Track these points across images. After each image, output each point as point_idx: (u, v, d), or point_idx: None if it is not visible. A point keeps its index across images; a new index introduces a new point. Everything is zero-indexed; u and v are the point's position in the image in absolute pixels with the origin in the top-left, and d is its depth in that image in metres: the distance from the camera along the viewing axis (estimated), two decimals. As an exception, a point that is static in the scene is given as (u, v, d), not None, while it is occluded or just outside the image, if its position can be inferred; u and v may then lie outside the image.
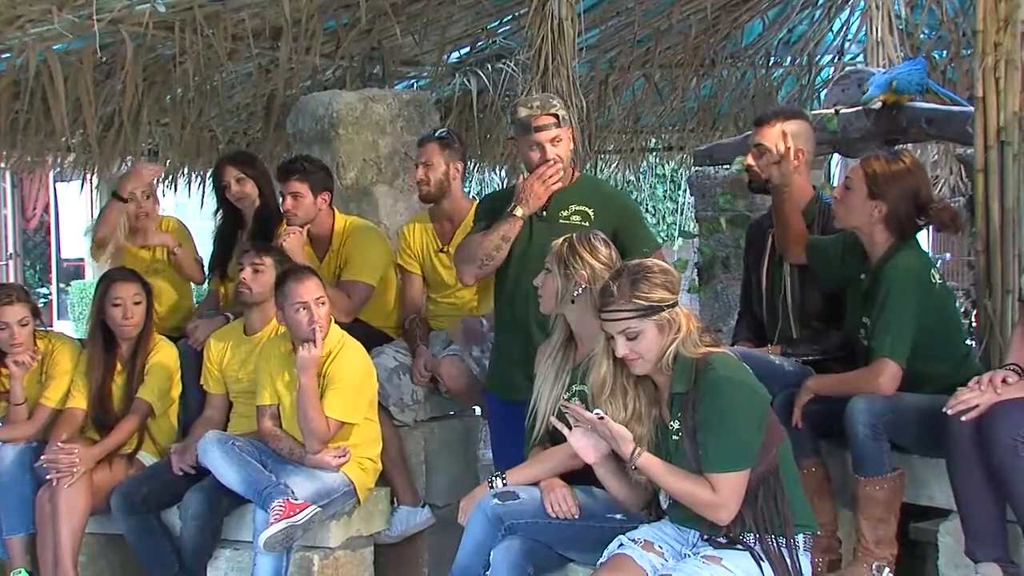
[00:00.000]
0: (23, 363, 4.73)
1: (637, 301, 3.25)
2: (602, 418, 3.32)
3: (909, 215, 3.75)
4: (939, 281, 3.79)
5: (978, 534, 3.38)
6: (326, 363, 4.39)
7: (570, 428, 3.45)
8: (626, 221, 4.26)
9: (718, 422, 3.20)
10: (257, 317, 4.75)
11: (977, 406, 3.30)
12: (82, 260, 16.09)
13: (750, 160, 4.11)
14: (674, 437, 3.29)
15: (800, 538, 3.26)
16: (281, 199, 5.07)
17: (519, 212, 4.18)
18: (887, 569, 3.59)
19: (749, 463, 3.20)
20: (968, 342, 4.17)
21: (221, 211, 5.45)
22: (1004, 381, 3.33)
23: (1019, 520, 3.32)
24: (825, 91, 6.37)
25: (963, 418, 3.29)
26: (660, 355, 3.27)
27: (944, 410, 3.34)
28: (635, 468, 3.31)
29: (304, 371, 4.29)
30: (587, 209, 4.22)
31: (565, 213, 4.22)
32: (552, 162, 4.17)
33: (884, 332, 3.67)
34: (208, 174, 7.47)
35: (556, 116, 4.19)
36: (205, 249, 5.54)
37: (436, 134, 5.01)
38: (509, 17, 7.72)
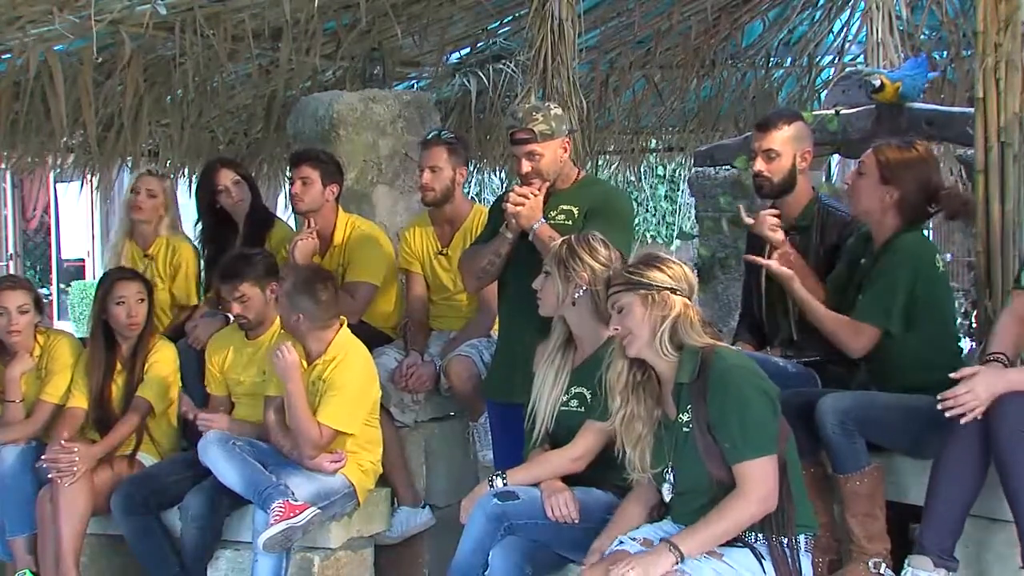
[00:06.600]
0: (20, 353, 4.72)
1: (627, 275, 3.31)
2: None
3: (920, 202, 3.77)
4: (943, 270, 3.80)
5: (942, 525, 3.35)
6: (329, 368, 4.37)
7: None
8: (596, 218, 4.09)
9: (739, 411, 3.16)
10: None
11: (976, 408, 3.29)
12: (82, 260, 16.09)
13: (759, 166, 4.08)
14: (684, 429, 3.26)
15: (801, 538, 3.25)
16: (289, 184, 5.07)
17: (508, 234, 4.17)
18: (884, 564, 3.58)
19: (775, 448, 3.18)
20: (962, 344, 4.15)
21: (208, 217, 5.37)
22: None
23: (1016, 516, 3.30)
24: (825, 92, 6.37)
25: (963, 420, 3.28)
26: (652, 334, 3.24)
27: (938, 407, 3.32)
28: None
29: (286, 378, 4.28)
30: (573, 208, 4.20)
31: (553, 213, 4.19)
32: (521, 185, 4.13)
33: (873, 299, 3.67)
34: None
35: (533, 131, 4.12)
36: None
37: (443, 137, 4.92)
38: (509, 18, 7.72)
